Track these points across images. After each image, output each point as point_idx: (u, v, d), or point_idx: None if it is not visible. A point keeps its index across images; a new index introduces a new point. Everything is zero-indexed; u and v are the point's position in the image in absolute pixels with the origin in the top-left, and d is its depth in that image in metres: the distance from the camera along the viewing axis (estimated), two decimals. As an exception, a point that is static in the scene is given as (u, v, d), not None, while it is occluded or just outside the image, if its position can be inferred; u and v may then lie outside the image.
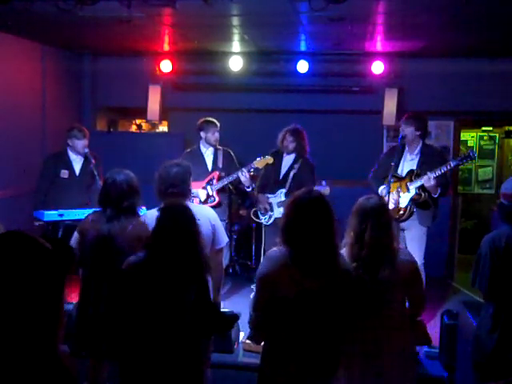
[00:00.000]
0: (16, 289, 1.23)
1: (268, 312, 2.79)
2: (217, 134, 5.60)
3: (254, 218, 6.11)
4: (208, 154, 5.67)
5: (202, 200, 5.43)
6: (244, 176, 5.40)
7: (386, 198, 4.90)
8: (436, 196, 4.81)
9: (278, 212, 5.62)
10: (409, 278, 2.97)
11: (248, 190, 5.63)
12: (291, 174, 5.66)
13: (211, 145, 5.62)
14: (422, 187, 4.79)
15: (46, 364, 1.22)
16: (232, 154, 5.75)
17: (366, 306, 2.89)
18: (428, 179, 4.66)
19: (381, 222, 2.94)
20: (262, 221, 5.91)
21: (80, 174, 5.53)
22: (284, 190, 5.66)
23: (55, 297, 1.29)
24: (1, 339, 1.21)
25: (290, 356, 2.73)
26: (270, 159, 5.56)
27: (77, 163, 5.55)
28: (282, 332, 2.75)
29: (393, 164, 4.93)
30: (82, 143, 5.44)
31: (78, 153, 5.48)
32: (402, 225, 4.98)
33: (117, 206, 3.38)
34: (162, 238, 2.83)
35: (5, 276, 1.22)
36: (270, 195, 5.79)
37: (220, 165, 5.64)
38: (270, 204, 5.76)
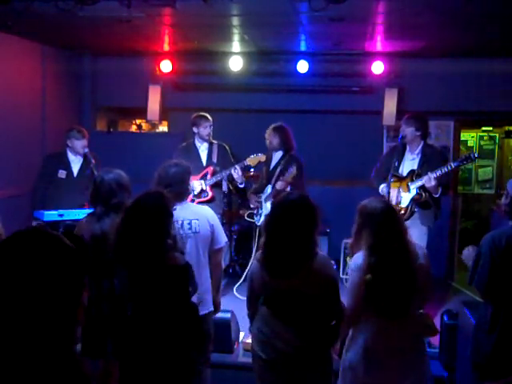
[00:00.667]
0: (39, 287, 1.22)
1: (256, 308, 2.94)
2: (209, 129, 5.62)
3: (249, 220, 6.17)
4: (202, 149, 5.69)
5: (196, 193, 5.42)
6: (236, 173, 5.42)
7: (386, 198, 4.93)
8: (437, 196, 4.81)
9: (266, 208, 5.66)
10: (427, 270, 3.00)
11: (241, 186, 5.66)
12: (278, 169, 5.66)
13: (204, 139, 5.64)
14: (422, 187, 4.79)
15: (63, 364, 1.22)
16: (227, 148, 5.77)
17: (389, 311, 2.87)
18: (429, 179, 4.66)
19: (392, 225, 2.93)
20: (256, 222, 5.95)
21: (78, 175, 5.53)
22: (270, 185, 5.68)
23: (75, 296, 1.29)
24: (20, 338, 1.20)
25: (265, 355, 2.83)
26: (262, 157, 5.60)
27: (75, 164, 5.55)
28: (261, 329, 2.87)
29: (395, 163, 4.96)
30: (81, 143, 5.45)
31: (77, 153, 5.49)
32: (406, 223, 5.01)
33: (106, 203, 3.39)
34: (127, 224, 2.84)
35: (29, 273, 1.21)
36: (260, 194, 5.85)
37: (214, 159, 5.67)
38: (260, 202, 5.80)
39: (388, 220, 2.95)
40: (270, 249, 2.79)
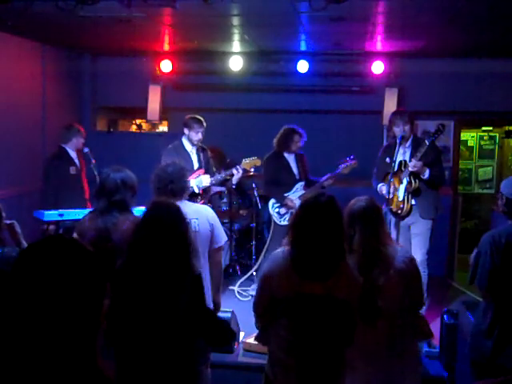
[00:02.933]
0: (64, 293, 1.23)
1: (269, 313, 2.77)
2: (200, 135, 5.47)
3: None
4: (192, 151, 5.57)
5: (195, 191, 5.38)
6: (237, 172, 5.48)
7: (386, 197, 4.97)
8: (426, 177, 4.87)
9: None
10: (408, 277, 2.95)
11: (233, 186, 5.85)
12: (299, 167, 5.90)
13: (192, 144, 5.51)
14: (411, 174, 4.87)
15: (88, 369, 1.22)
16: (209, 155, 5.73)
17: (365, 308, 2.87)
18: (412, 165, 4.81)
19: (368, 223, 2.92)
20: (281, 222, 5.88)
21: (82, 169, 5.78)
22: (302, 183, 5.87)
23: (98, 301, 1.29)
24: (46, 344, 1.20)
25: (291, 360, 2.71)
26: (257, 161, 5.63)
27: (77, 159, 5.79)
28: (283, 335, 2.73)
29: (387, 161, 5.10)
30: (82, 141, 5.75)
31: (75, 150, 5.72)
32: (408, 221, 5.04)
33: (109, 198, 3.37)
34: (143, 238, 2.66)
35: (53, 280, 1.21)
36: (287, 194, 5.86)
37: (203, 163, 5.63)
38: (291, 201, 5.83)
39: (361, 215, 2.95)
40: (303, 250, 2.67)
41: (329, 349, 2.72)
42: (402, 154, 5.13)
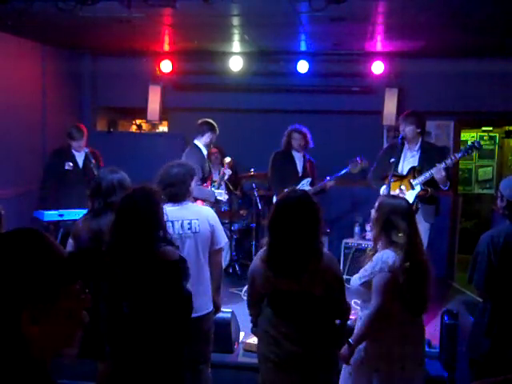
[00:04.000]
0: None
1: (259, 306, 2.90)
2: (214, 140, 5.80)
3: None
4: (206, 153, 5.76)
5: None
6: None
7: None
8: (446, 189, 4.83)
9: None
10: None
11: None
12: (306, 167, 6.06)
13: (206, 147, 5.70)
14: (427, 182, 4.80)
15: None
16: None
17: (412, 307, 2.92)
18: (438, 170, 4.67)
19: (413, 221, 3.03)
20: None
21: (83, 166, 5.82)
22: (309, 179, 6.01)
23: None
24: None
25: (273, 355, 2.78)
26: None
27: (79, 157, 5.86)
28: (267, 330, 2.82)
29: (392, 161, 4.97)
30: (77, 144, 5.77)
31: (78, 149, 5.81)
32: None
33: (104, 199, 3.37)
34: (117, 221, 2.81)
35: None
36: None
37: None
38: None
39: (413, 218, 3.03)
40: (276, 247, 2.72)
41: (313, 346, 2.74)
42: (410, 159, 5.04)
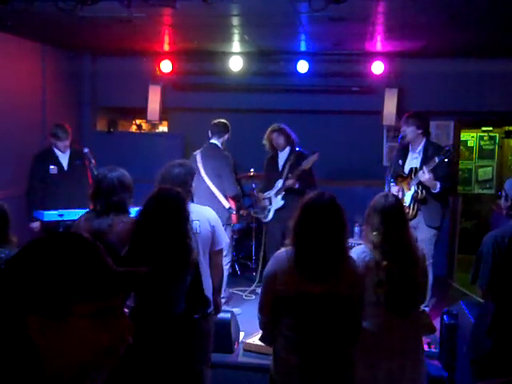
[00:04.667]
0: None
1: (273, 313, 2.78)
2: None
3: (256, 216, 6.27)
4: None
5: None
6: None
7: None
8: (436, 191, 4.82)
9: (276, 202, 5.82)
10: (423, 272, 3.08)
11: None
12: (287, 165, 5.79)
13: (223, 145, 5.79)
14: (420, 184, 4.83)
15: None
16: None
17: (396, 305, 2.92)
18: (422, 173, 4.74)
19: (403, 220, 3.03)
20: (262, 219, 6.08)
21: (68, 167, 5.60)
22: (281, 180, 5.80)
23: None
24: None
25: (295, 359, 2.71)
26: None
27: (63, 158, 5.62)
28: (288, 335, 2.74)
29: (399, 163, 5.05)
30: (62, 144, 5.54)
31: (62, 150, 5.59)
32: (413, 224, 5.02)
33: (106, 200, 3.35)
34: (145, 221, 2.80)
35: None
36: (268, 191, 5.92)
37: None
38: (269, 198, 5.86)
39: (391, 217, 2.98)
40: (306, 251, 2.68)
41: (333, 348, 2.72)
42: (413, 160, 5.07)
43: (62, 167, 5.60)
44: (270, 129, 5.87)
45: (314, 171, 5.79)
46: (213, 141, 5.72)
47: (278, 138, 5.82)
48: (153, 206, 2.87)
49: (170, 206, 2.84)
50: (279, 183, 5.81)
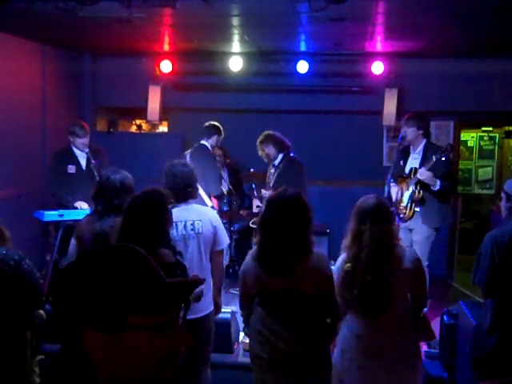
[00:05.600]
0: None
1: (250, 307, 2.92)
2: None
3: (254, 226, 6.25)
4: None
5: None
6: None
7: (392, 199, 4.96)
8: (437, 189, 4.81)
9: None
10: (413, 275, 3.01)
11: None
12: (276, 173, 5.74)
13: (212, 149, 5.94)
14: (418, 184, 4.84)
15: None
16: None
17: (371, 305, 2.92)
18: (421, 173, 4.76)
19: (379, 220, 2.97)
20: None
21: (86, 167, 5.59)
22: (266, 192, 5.81)
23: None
24: None
25: (266, 355, 2.81)
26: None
27: (82, 158, 5.63)
28: (258, 330, 2.85)
29: (400, 164, 5.10)
30: (81, 141, 5.53)
31: (82, 149, 5.58)
32: (409, 225, 5.01)
33: (108, 202, 3.36)
34: (126, 222, 2.78)
35: None
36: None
37: None
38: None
39: (363, 218, 2.98)
40: (265, 246, 2.78)
41: (304, 345, 2.76)
42: (414, 160, 5.08)
43: (81, 167, 5.60)
44: (259, 138, 5.81)
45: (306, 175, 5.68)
46: (202, 142, 5.88)
47: (268, 148, 5.74)
48: (130, 208, 2.84)
49: (146, 210, 2.78)
50: (265, 194, 5.75)
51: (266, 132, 5.79)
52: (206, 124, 5.97)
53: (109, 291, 1.00)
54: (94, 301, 1.00)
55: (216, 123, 5.96)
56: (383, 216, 3.00)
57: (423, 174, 4.75)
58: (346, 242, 3.03)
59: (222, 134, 5.94)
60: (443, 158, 4.72)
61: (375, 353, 2.96)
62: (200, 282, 2.57)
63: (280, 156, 5.74)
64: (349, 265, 2.94)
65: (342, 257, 3.07)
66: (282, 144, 5.71)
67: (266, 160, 5.87)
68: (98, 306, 1.01)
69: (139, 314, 1.02)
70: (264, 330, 2.83)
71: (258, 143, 5.78)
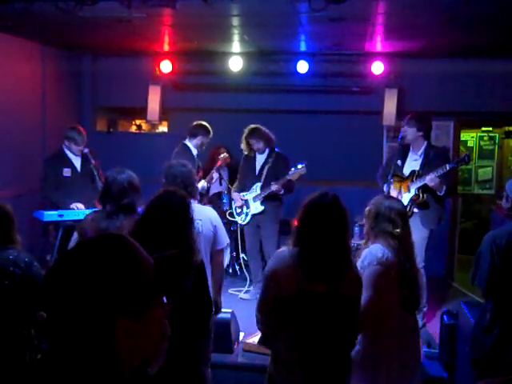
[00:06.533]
0: None
1: (273, 313, 2.74)
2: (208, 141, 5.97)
3: (230, 218, 6.28)
4: (195, 153, 5.92)
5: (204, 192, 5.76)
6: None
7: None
8: (442, 194, 4.80)
9: (255, 208, 5.85)
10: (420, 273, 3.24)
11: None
12: (266, 167, 5.82)
13: (200, 148, 5.90)
14: (421, 188, 4.80)
15: None
16: None
17: (407, 303, 3.00)
18: (431, 180, 4.69)
19: (407, 221, 3.12)
20: (239, 221, 6.12)
21: (82, 170, 5.58)
22: (259, 184, 5.82)
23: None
24: None
25: (294, 360, 2.70)
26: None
27: (76, 160, 5.60)
28: (287, 335, 2.72)
29: (398, 163, 5.03)
30: (78, 148, 5.53)
31: (76, 152, 5.55)
32: None
33: (116, 202, 3.38)
34: (147, 221, 2.79)
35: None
36: (245, 193, 5.95)
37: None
38: (246, 201, 5.89)
39: (406, 218, 3.13)
40: (310, 251, 2.67)
41: (333, 348, 2.72)
42: (413, 162, 5.04)
43: (76, 169, 5.57)
44: (246, 132, 5.87)
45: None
46: (185, 141, 5.92)
47: (258, 143, 5.83)
48: (156, 206, 2.86)
49: (173, 209, 2.83)
50: (257, 187, 5.81)
51: (253, 126, 5.87)
52: (193, 123, 5.96)
53: (136, 275, 1.07)
54: (127, 287, 1.04)
55: (203, 123, 5.92)
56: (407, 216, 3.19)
57: (433, 181, 4.70)
58: (385, 236, 3.04)
59: (210, 134, 5.88)
60: (456, 165, 4.73)
61: (404, 349, 3.03)
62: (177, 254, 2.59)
63: (267, 150, 5.85)
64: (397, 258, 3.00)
65: (380, 249, 3.02)
66: (270, 139, 5.84)
67: (246, 152, 5.95)
68: (130, 291, 1.05)
69: (160, 292, 1.10)
70: (293, 334, 2.71)
71: (245, 137, 5.86)
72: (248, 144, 5.89)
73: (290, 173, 5.55)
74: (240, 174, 6.13)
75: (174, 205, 2.83)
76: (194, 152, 5.86)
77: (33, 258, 2.98)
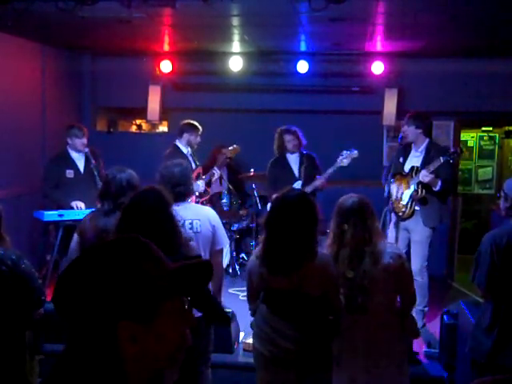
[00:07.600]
0: None
1: (257, 303, 2.95)
2: (199, 138, 5.96)
3: None
4: (189, 153, 5.95)
5: (201, 192, 5.71)
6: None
7: (390, 197, 4.94)
8: (437, 189, 4.81)
9: None
10: (396, 273, 3.00)
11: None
12: (302, 168, 5.82)
13: (192, 146, 5.92)
14: (420, 184, 4.83)
15: None
16: None
17: (353, 302, 2.94)
18: (423, 176, 4.74)
19: (360, 219, 2.99)
20: None
21: (84, 171, 5.57)
22: (300, 182, 5.78)
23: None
24: None
25: (267, 352, 2.82)
26: (237, 148, 5.86)
27: (79, 161, 5.60)
28: (262, 326, 2.87)
29: (400, 160, 5.06)
30: (81, 142, 5.53)
31: (78, 151, 5.53)
32: (407, 225, 4.99)
33: (114, 200, 3.38)
34: (125, 218, 2.78)
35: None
36: None
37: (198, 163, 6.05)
38: None
39: (354, 211, 3.02)
40: (270, 245, 2.77)
41: (306, 343, 2.77)
42: (414, 158, 5.07)
43: (79, 170, 5.56)
44: (282, 130, 5.83)
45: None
46: (175, 142, 5.96)
47: (294, 141, 5.81)
48: (130, 203, 2.84)
49: (148, 204, 2.79)
50: (298, 185, 5.73)
51: (289, 126, 5.89)
52: (181, 122, 6.01)
53: (140, 278, 1.02)
54: (129, 289, 1.00)
55: (190, 121, 5.94)
56: (364, 213, 3.01)
57: (426, 177, 4.73)
58: (328, 241, 3.07)
59: (197, 130, 5.88)
60: (451, 161, 4.74)
61: (355, 350, 2.98)
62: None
63: (297, 153, 5.88)
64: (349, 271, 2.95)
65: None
66: (301, 140, 5.89)
67: (277, 153, 5.89)
68: (132, 293, 1.00)
69: (170, 297, 1.04)
70: (266, 327, 2.85)
71: (283, 132, 5.84)
72: (280, 142, 5.84)
73: (340, 158, 5.64)
74: (271, 177, 5.92)
75: (148, 201, 2.80)
76: (185, 151, 5.87)
77: (22, 256, 2.95)
